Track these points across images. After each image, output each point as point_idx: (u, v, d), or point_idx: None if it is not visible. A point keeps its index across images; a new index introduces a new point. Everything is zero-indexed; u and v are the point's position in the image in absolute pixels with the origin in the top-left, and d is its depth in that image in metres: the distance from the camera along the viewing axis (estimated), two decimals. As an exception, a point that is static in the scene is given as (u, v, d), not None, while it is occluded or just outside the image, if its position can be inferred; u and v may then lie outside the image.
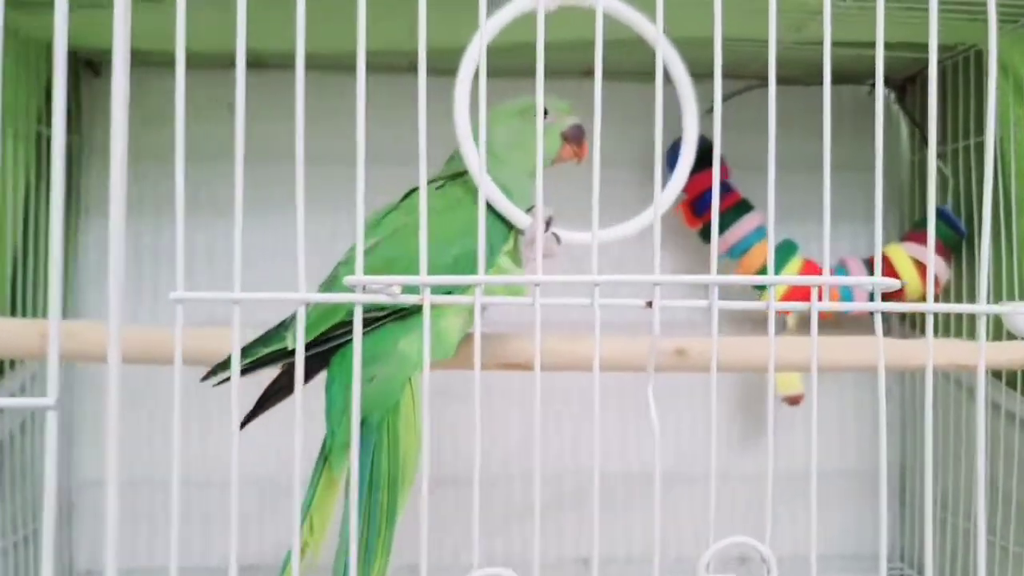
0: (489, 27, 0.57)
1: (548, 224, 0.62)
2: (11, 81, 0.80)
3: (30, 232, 0.84)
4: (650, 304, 0.43)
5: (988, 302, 0.84)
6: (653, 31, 0.55)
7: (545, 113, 0.66)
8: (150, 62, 0.83)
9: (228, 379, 0.60)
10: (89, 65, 0.93)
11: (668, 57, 0.56)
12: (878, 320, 0.45)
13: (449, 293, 0.58)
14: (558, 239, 0.63)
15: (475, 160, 0.59)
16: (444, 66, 0.58)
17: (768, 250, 0.45)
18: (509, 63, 0.67)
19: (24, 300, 0.84)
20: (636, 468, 1.00)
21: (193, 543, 0.94)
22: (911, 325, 1.01)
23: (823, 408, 1.01)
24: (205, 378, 0.59)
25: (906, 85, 1.01)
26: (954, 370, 0.90)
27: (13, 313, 0.82)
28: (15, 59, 0.80)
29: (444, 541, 0.96)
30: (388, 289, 0.41)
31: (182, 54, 0.41)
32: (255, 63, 0.94)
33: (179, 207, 0.41)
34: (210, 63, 0.80)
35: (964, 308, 0.47)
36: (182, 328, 0.41)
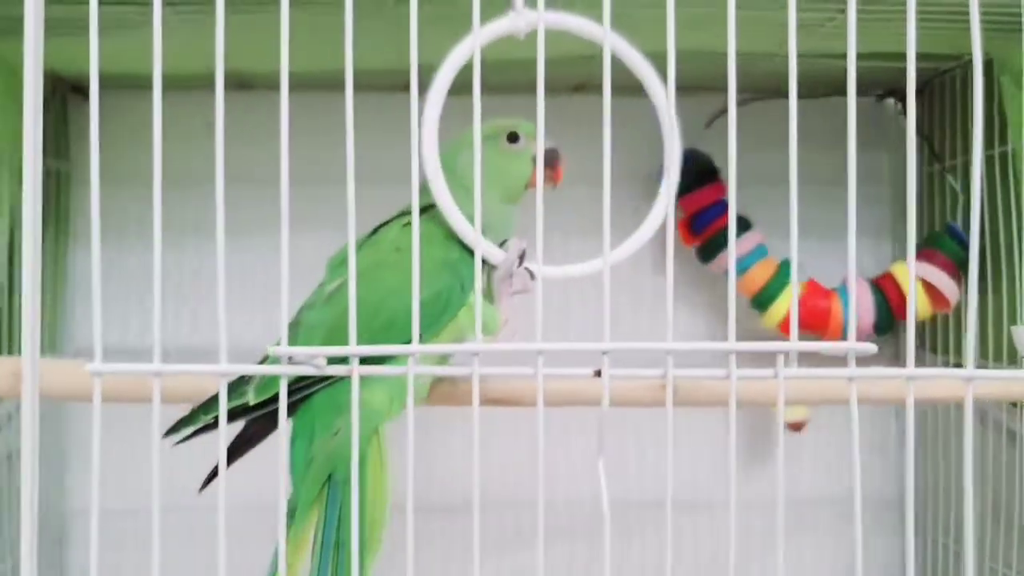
0: (462, 50, 0.56)
1: (521, 259, 0.60)
2: (-8, 109, 0.79)
3: (17, 265, 0.84)
4: (599, 373, 0.40)
5: (1010, 321, 0.80)
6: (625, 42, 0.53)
7: (516, 138, 0.63)
8: (140, 85, 0.83)
9: (190, 437, 0.58)
10: (77, 90, 0.93)
11: (643, 71, 0.53)
12: (853, 389, 0.41)
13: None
14: (532, 274, 0.60)
15: (443, 192, 0.57)
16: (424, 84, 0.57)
17: (729, 312, 0.42)
18: (488, 80, 0.64)
19: (11, 334, 0.83)
20: (636, 497, 0.97)
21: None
22: (922, 346, 0.97)
23: (831, 435, 0.97)
24: (167, 434, 0.57)
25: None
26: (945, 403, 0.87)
27: (-1, 348, 0.82)
28: (1, 88, 0.80)
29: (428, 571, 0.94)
30: (314, 360, 0.39)
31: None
32: (241, 85, 0.93)
33: (95, 273, 0.39)
34: (200, 85, 0.80)
35: (945, 373, 0.43)
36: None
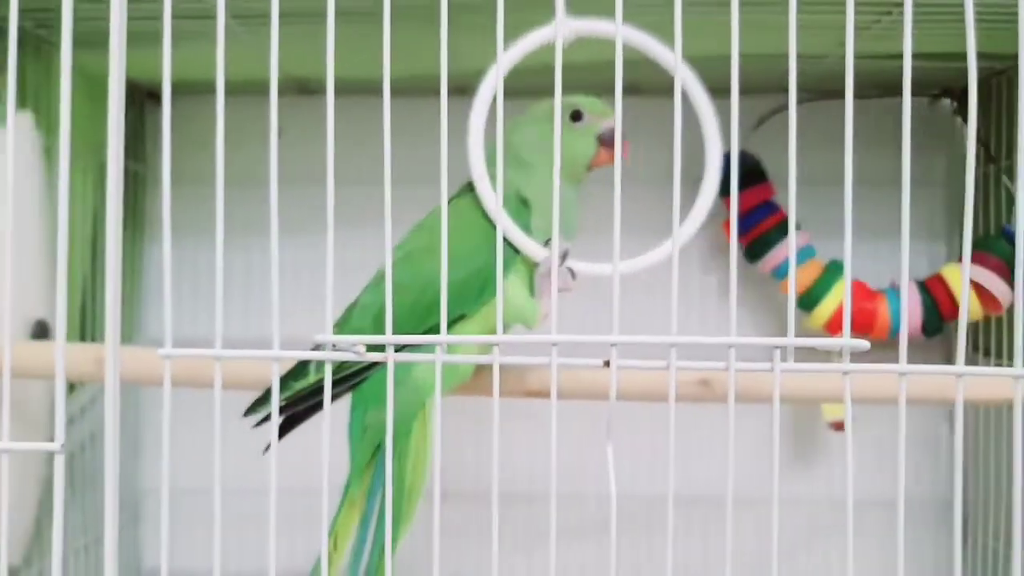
0: (507, 58, 0.58)
1: (563, 257, 0.62)
2: (77, 116, 0.86)
3: (98, 260, 0.90)
4: (607, 364, 0.42)
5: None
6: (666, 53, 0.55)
7: (580, 116, 0.64)
8: (210, 91, 0.88)
9: (265, 420, 0.63)
10: (152, 96, 0.99)
11: (683, 76, 0.55)
12: (847, 384, 0.43)
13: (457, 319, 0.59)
14: (573, 274, 0.62)
15: (487, 192, 0.60)
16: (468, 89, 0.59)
17: (731, 307, 0.43)
18: (533, 83, 0.67)
19: (94, 326, 0.90)
20: (685, 493, 0.99)
21: (247, 549, 0.98)
22: (975, 348, 0.96)
23: (879, 436, 0.96)
24: (247, 414, 0.62)
25: (967, 96, 0.96)
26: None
27: (83, 339, 0.88)
28: (81, 94, 0.86)
29: (450, 560, 0.98)
30: (354, 348, 0.42)
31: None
32: (302, 90, 0.98)
33: (166, 261, 0.43)
34: (266, 91, 0.84)
35: (940, 370, 0.44)
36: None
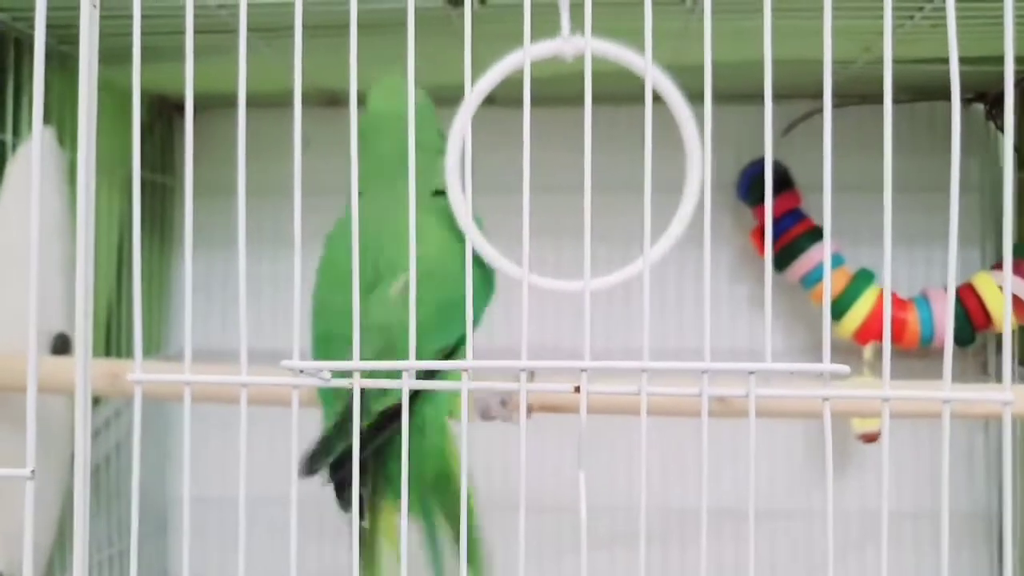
0: (500, 67, 0.56)
1: (504, 403, 0.62)
2: (104, 131, 0.86)
3: (124, 274, 0.91)
4: (577, 389, 0.42)
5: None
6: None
7: None
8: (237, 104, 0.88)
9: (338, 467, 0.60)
10: (180, 110, 1.00)
11: (656, 80, 0.52)
12: (827, 409, 0.42)
13: (447, 348, 0.58)
14: (510, 413, 0.62)
15: (463, 213, 0.57)
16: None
17: (705, 333, 0.42)
18: (536, 93, 0.66)
19: (119, 341, 0.90)
20: (690, 504, 0.97)
21: (275, 558, 0.98)
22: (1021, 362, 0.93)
23: (911, 448, 0.94)
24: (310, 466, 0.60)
25: (1001, 100, 0.94)
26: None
27: (108, 353, 0.88)
28: (108, 109, 0.87)
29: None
30: (320, 374, 0.41)
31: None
32: (330, 102, 0.98)
33: (187, 292, 0.42)
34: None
35: (925, 395, 0.42)
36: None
